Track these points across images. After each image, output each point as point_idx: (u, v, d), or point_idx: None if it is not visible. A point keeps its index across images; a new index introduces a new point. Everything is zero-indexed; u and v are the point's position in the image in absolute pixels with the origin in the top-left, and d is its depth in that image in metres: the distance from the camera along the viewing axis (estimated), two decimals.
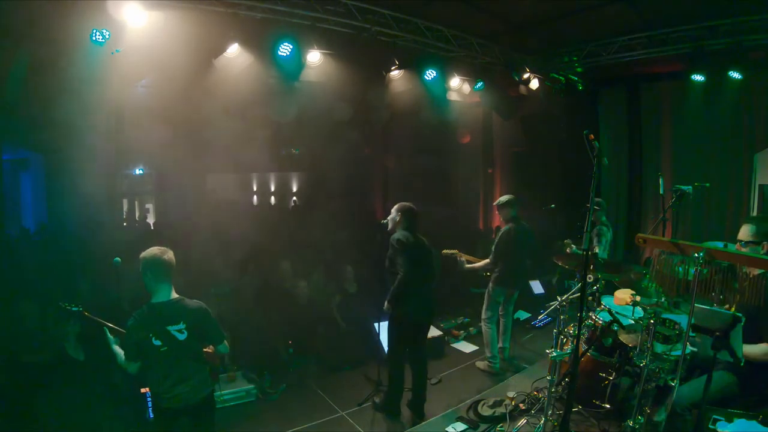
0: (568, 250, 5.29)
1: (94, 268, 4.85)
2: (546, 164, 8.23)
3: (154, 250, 2.64)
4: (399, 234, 3.87)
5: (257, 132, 6.47)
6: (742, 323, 2.28)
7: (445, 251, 5.03)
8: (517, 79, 6.80)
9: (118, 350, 2.72)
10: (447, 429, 3.59)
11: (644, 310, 2.90)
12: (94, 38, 3.80)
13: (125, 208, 9.90)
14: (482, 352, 5.24)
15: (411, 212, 3.97)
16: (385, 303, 3.88)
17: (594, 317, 3.44)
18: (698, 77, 5.90)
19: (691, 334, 2.43)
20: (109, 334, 2.80)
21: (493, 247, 4.87)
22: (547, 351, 3.20)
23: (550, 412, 3.20)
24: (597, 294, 3.77)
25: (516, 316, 5.01)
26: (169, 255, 2.65)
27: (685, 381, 2.81)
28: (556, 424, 3.21)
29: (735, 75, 5.61)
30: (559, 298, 3.51)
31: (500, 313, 5.02)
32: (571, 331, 3.57)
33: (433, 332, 5.53)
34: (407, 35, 5.54)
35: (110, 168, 7.79)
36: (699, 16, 5.30)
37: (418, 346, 4.09)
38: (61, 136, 5.69)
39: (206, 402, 2.77)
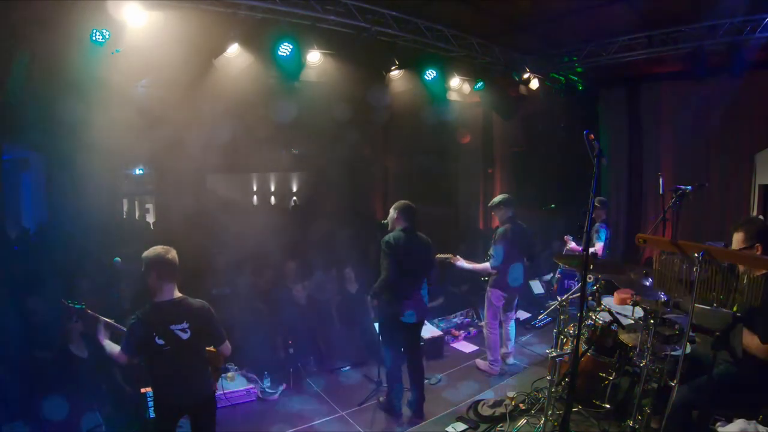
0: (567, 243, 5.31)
1: (94, 268, 4.85)
2: (546, 164, 8.23)
3: (157, 249, 2.65)
4: (389, 235, 3.85)
5: (257, 132, 6.47)
6: (742, 323, 2.28)
7: (438, 256, 4.88)
8: (517, 79, 6.80)
9: (109, 343, 2.72)
10: (447, 429, 3.59)
11: (644, 310, 2.89)
12: (94, 38, 3.80)
13: (125, 208, 9.91)
14: (483, 352, 5.24)
15: (408, 210, 3.94)
16: (368, 297, 3.92)
17: (594, 317, 3.44)
18: (698, 77, 5.89)
19: (691, 334, 2.43)
20: (101, 330, 2.79)
21: (491, 251, 4.78)
22: (547, 351, 3.20)
23: (550, 412, 3.20)
24: (597, 294, 3.77)
25: (516, 316, 4.95)
26: (173, 254, 2.66)
27: (684, 381, 2.81)
28: (556, 424, 3.21)
29: (734, 75, 5.60)
30: (559, 298, 3.52)
31: (501, 318, 4.93)
32: (571, 331, 3.57)
33: (433, 332, 5.54)
34: (407, 35, 5.54)
35: (110, 168, 7.80)
36: (699, 16, 5.30)
37: (413, 346, 4.10)
38: (61, 136, 5.69)
39: (208, 402, 2.77)
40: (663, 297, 3.39)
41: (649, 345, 2.78)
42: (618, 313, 3.21)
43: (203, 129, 5.52)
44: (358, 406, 4.29)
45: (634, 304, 3.11)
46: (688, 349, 2.54)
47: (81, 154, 5.65)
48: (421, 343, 4.38)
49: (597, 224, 5.59)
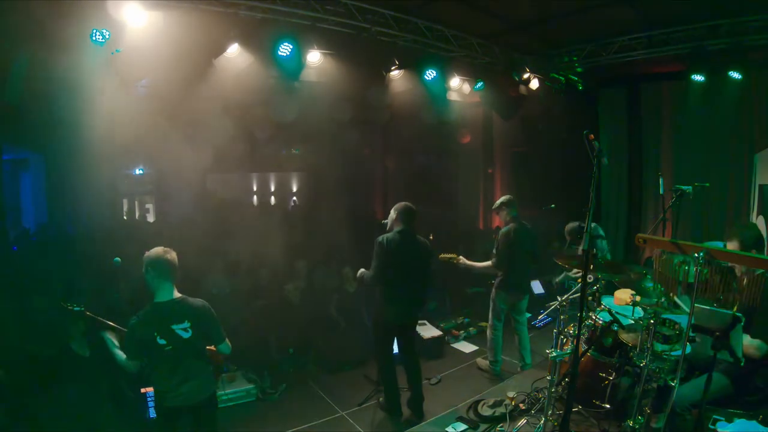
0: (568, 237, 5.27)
1: (93, 268, 4.85)
2: (546, 164, 8.23)
3: (157, 250, 2.66)
4: (384, 236, 3.87)
5: (257, 132, 6.48)
6: (742, 323, 2.28)
7: (442, 256, 4.91)
8: (517, 79, 6.80)
9: (119, 353, 2.71)
10: (447, 429, 3.58)
11: (644, 310, 2.89)
12: (94, 38, 3.80)
13: (125, 208, 9.90)
14: (483, 352, 5.24)
15: (407, 212, 3.92)
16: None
17: (594, 317, 3.44)
18: (698, 77, 5.90)
19: (691, 333, 2.43)
20: (108, 338, 2.78)
21: (494, 250, 4.74)
22: (547, 351, 3.20)
23: (550, 412, 3.20)
24: (597, 294, 3.77)
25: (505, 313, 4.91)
26: (172, 255, 2.68)
27: (684, 381, 2.81)
28: (556, 424, 3.20)
29: (735, 75, 5.61)
30: (559, 298, 3.51)
31: (513, 324, 4.88)
32: (571, 331, 3.57)
33: (433, 332, 5.54)
34: (407, 35, 5.54)
35: (110, 168, 7.80)
36: (699, 16, 5.30)
37: (406, 347, 4.10)
38: (61, 136, 5.69)
39: (209, 401, 2.78)
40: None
41: (649, 345, 2.78)
42: (618, 313, 3.21)
43: (203, 129, 5.51)
44: (358, 406, 4.29)
45: (634, 304, 3.11)
46: (688, 349, 2.54)
47: (81, 154, 5.64)
48: (416, 343, 4.33)
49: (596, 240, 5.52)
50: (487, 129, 9.85)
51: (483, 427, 3.57)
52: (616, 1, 5.05)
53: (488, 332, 4.88)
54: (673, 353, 2.83)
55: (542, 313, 4.87)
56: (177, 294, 2.68)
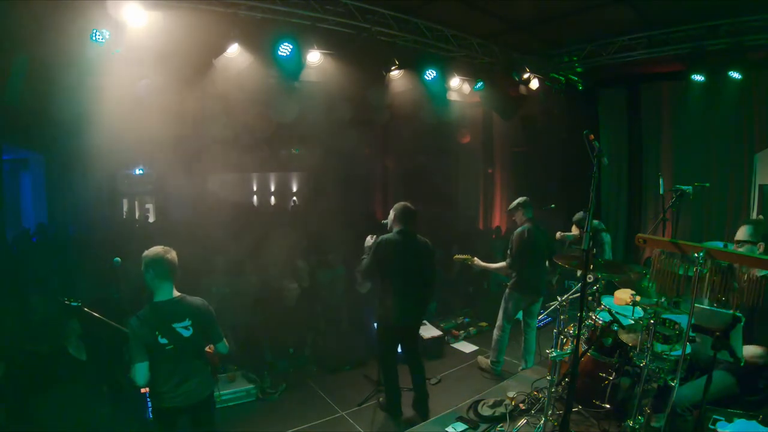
0: (558, 236, 5.26)
1: (93, 268, 4.85)
2: (546, 164, 8.22)
3: (157, 249, 2.66)
4: (382, 236, 3.87)
5: (257, 132, 6.48)
6: (742, 323, 2.28)
7: (456, 257, 4.88)
8: (517, 79, 6.80)
9: (135, 372, 2.56)
10: (447, 429, 3.58)
11: (644, 310, 2.89)
12: (94, 38, 3.80)
13: (125, 208, 9.90)
14: (483, 352, 5.24)
15: (405, 212, 3.89)
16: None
17: (594, 317, 3.44)
18: (698, 77, 5.90)
19: (691, 334, 2.43)
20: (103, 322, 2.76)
21: (508, 251, 4.66)
22: (547, 351, 3.19)
23: (550, 412, 3.20)
24: (597, 294, 3.77)
25: (517, 316, 4.90)
26: (172, 254, 2.67)
27: (684, 381, 2.81)
28: (556, 424, 3.20)
29: (735, 75, 5.61)
30: (559, 298, 3.51)
31: (522, 327, 4.84)
32: (571, 331, 3.57)
33: (433, 332, 5.54)
34: (407, 35, 5.54)
35: (110, 168, 7.80)
36: (699, 16, 5.30)
37: (409, 348, 4.09)
38: (61, 136, 5.70)
39: (207, 402, 2.77)
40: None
41: (649, 345, 2.78)
42: (618, 313, 3.21)
43: (203, 129, 5.53)
44: (358, 406, 4.29)
45: (634, 304, 3.11)
46: (688, 349, 2.54)
47: (81, 154, 5.65)
48: (418, 344, 4.33)
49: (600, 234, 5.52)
50: (487, 129, 9.86)
51: (483, 427, 3.57)
52: (616, 1, 5.05)
53: (495, 332, 4.83)
54: (673, 353, 2.83)
55: (542, 313, 4.87)
56: (176, 293, 2.68)
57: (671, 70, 6.65)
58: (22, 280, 4.58)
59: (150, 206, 10.17)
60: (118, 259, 3.82)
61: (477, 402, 3.87)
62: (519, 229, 4.63)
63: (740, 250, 2.80)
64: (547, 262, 4.75)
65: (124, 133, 4.71)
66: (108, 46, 3.88)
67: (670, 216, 4.04)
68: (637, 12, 5.37)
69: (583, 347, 3.20)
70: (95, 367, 3.63)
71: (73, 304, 2.87)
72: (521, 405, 3.73)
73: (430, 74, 5.99)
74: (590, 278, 3.61)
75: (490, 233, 9.19)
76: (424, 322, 5.60)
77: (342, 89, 5.62)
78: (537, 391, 3.90)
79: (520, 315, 4.88)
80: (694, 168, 6.75)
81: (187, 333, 2.60)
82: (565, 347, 3.54)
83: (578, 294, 3.03)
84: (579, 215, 5.39)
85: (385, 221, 4.11)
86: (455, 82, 6.57)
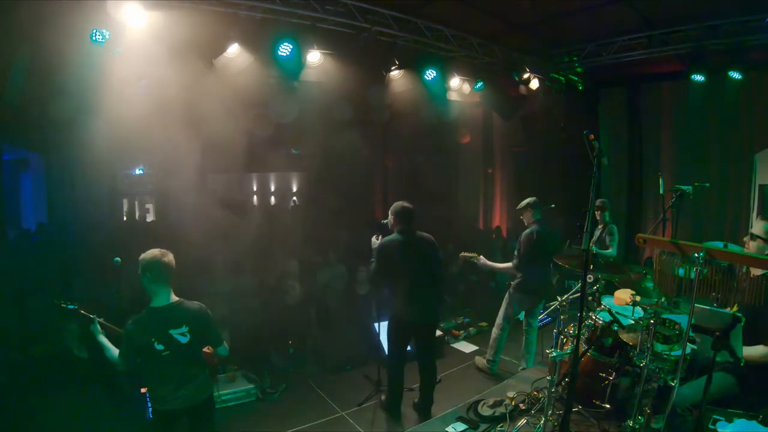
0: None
1: (93, 268, 4.85)
2: (546, 164, 8.22)
3: (153, 252, 2.61)
4: (385, 238, 3.87)
5: (257, 132, 6.47)
6: (742, 323, 2.28)
7: (463, 254, 4.86)
8: (517, 79, 6.80)
9: (108, 344, 2.68)
10: (447, 429, 3.58)
11: (644, 310, 2.89)
12: (94, 38, 3.80)
13: (125, 208, 9.90)
14: (482, 352, 5.23)
15: (402, 212, 3.88)
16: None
17: (594, 317, 3.43)
18: (698, 77, 5.89)
19: (691, 334, 2.43)
20: (96, 326, 2.76)
21: (515, 252, 4.65)
22: (547, 351, 3.19)
23: (550, 412, 3.19)
24: (597, 294, 3.76)
25: (518, 316, 4.89)
26: (169, 257, 2.62)
27: (684, 381, 2.80)
28: (556, 424, 3.20)
29: (735, 75, 5.60)
30: (559, 298, 3.51)
31: (524, 327, 4.83)
32: (571, 331, 3.57)
33: None
34: (407, 35, 5.54)
35: (110, 168, 7.80)
36: (699, 16, 5.30)
37: (421, 348, 4.06)
38: (61, 136, 5.69)
39: (206, 403, 2.76)
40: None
41: (649, 345, 2.78)
42: (618, 313, 3.21)
43: (203, 129, 5.52)
44: (358, 406, 4.29)
45: (634, 304, 3.11)
46: (688, 349, 2.54)
47: (81, 154, 5.64)
48: (435, 345, 4.28)
49: (609, 225, 5.56)
50: (487, 129, 9.86)
51: (483, 427, 3.57)
52: (616, 1, 5.05)
53: (494, 331, 4.83)
54: (673, 353, 2.82)
55: (542, 313, 4.86)
56: (174, 298, 2.63)
57: (671, 70, 6.65)
58: (22, 281, 4.57)
59: (150, 206, 10.17)
60: (118, 259, 3.82)
61: (477, 402, 3.86)
62: (527, 231, 4.61)
63: (750, 243, 2.78)
64: (551, 264, 4.73)
65: (124, 133, 4.71)
66: (108, 46, 3.88)
67: (670, 216, 4.04)
68: (637, 12, 5.37)
69: (583, 347, 3.20)
70: (95, 367, 3.63)
71: (69, 306, 2.85)
72: (521, 405, 3.73)
73: (430, 74, 5.99)
74: (590, 278, 3.61)
75: (490, 233, 9.19)
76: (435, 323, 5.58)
77: (342, 89, 5.61)
78: (537, 391, 3.89)
79: (521, 315, 4.88)
80: (694, 168, 6.75)
81: (184, 339, 2.56)
82: (565, 347, 3.54)
83: (578, 294, 3.03)
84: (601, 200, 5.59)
85: (385, 221, 4.10)
86: (455, 82, 6.58)
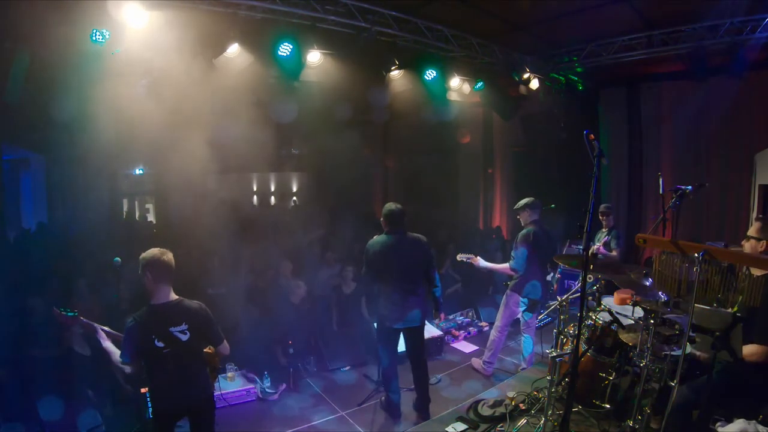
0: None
1: (93, 268, 4.85)
2: (546, 164, 8.23)
3: (153, 251, 2.64)
4: (372, 239, 3.89)
5: (257, 132, 6.48)
6: (742, 323, 2.28)
7: (459, 256, 4.84)
8: (517, 79, 6.80)
9: (112, 348, 2.70)
10: (447, 429, 3.58)
11: (644, 310, 2.89)
12: (94, 38, 3.80)
13: (125, 208, 9.91)
14: (482, 353, 5.23)
15: (390, 214, 3.87)
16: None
17: (594, 317, 3.44)
18: (698, 77, 5.89)
19: (691, 334, 2.43)
20: (101, 334, 2.78)
21: (512, 252, 4.62)
22: (547, 351, 3.19)
23: (550, 412, 3.20)
24: (597, 294, 3.76)
25: (516, 316, 4.88)
26: (169, 256, 2.65)
27: (684, 381, 2.80)
28: (556, 424, 3.20)
29: (735, 75, 5.60)
30: (559, 298, 3.51)
31: (521, 327, 4.80)
32: (571, 331, 3.57)
33: (433, 332, 5.54)
34: (407, 35, 5.54)
35: (110, 168, 7.81)
36: (699, 16, 5.30)
37: (412, 350, 4.06)
38: (61, 136, 5.70)
39: (206, 403, 2.77)
40: (663, 297, 3.39)
41: (649, 345, 2.78)
42: (618, 313, 3.21)
43: (203, 129, 5.52)
44: (358, 406, 4.29)
45: (634, 304, 3.11)
46: (688, 349, 2.54)
47: (81, 154, 5.65)
48: (423, 346, 4.22)
49: (613, 229, 5.68)
50: (487, 129, 9.86)
51: (483, 427, 3.57)
52: (616, 1, 5.05)
53: (493, 332, 4.82)
54: (672, 353, 2.82)
55: (542, 313, 4.86)
56: (174, 296, 2.66)
57: (671, 70, 6.65)
58: (23, 281, 4.58)
59: (150, 206, 10.19)
60: (118, 259, 3.83)
61: (477, 402, 3.87)
62: (524, 231, 4.56)
63: (746, 244, 2.80)
64: (548, 265, 4.74)
65: (124, 133, 4.71)
66: (108, 46, 3.88)
67: (670, 216, 4.03)
68: (637, 12, 5.37)
69: (583, 347, 3.20)
70: (100, 365, 3.63)
71: (69, 313, 2.87)
72: (521, 405, 3.73)
73: (430, 74, 5.98)
74: (590, 278, 3.61)
75: (491, 233, 9.19)
76: (438, 316, 5.57)
77: (342, 89, 5.61)
78: (537, 391, 3.90)
79: (520, 316, 4.87)
80: (694, 168, 6.75)
81: (184, 337, 2.58)
82: (565, 347, 3.54)
83: (578, 294, 3.03)
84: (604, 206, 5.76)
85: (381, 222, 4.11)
86: (455, 82, 6.57)
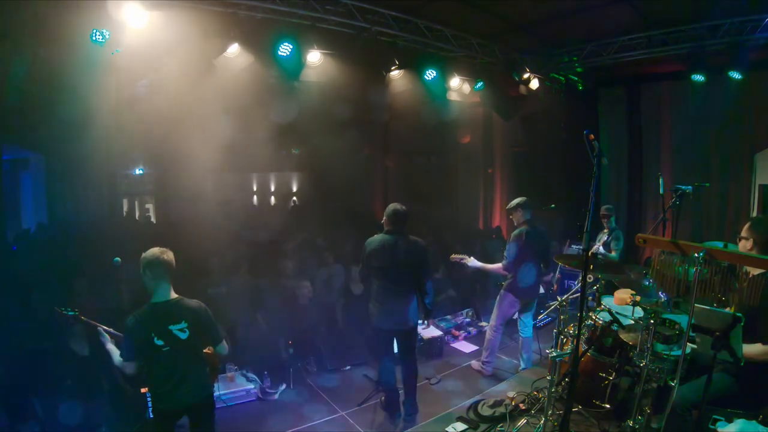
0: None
1: (94, 268, 4.85)
2: (546, 164, 8.23)
3: (153, 250, 2.66)
4: (370, 238, 3.89)
5: (257, 132, 6.49)
6: (743, 323, 2.28)
7: (453, 256, 4.84)
8: (517, 79, 6.80)
9: (114, 349, 2.73)
10: (447, 429, 3.58)
11: (644, 310, 2.89)
12: (94, 38, 3.80)
13: (125, 208, 9.92)
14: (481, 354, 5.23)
15: (394, 213, 3.86)
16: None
17: (594, 317, 3.44)
18: (698, 77, 5.89)
19: (691, 334, 2.43)
20: (104, 334, 2.81)
21: (505, 252, 4.62)
22: (547, 351, 3.19)
23: (550, 412, 3.20)
24: (597, 294, 3.76)
25: (511, 317, 4.88)
26: (169, 255, 2.67)
27: (684, 381, 2.80)
28: (556, 424, 3.20)
29: (735, 75, 5.60)
30: (559, 298, 3.51)
31: (518, 327, 4.82)
32: (571, 331, 3.57)
33: (433, 332, 5.54)
34: (407, 35, 5.54)
35: (110, 168, 7.81)
36: (699, 16, 5.30)
37: (402, 352, 4.04)
38: (61, 136, 5.69)
39: (206, 402, 2.77)
40: (663, 296, 3.39)
41: (649, 345, 2.78)
42: (618, 313, 3.21)
43: (203, 129, 5.52)
44: (358, 406, 4.29)
45: (634, 304, 3.11)
46: (688, 349, 2.54)
47: (81, 154, 5.65)
48: (415, 346, 4.18)
49: (615, 231, 5.66)
50: (487, 129, 9.86)
51: (483, 427, 3.57)
52: (616, 1, 5.05)
53: (488, 332, 4.83)
54: (673, 353, 2.82)
55: (542, 313, 4.86)
56: (174, 294, 2.68)
57: (671, 70, 6.65)
58: (23, 280, 4.58)
59: (150, 206, 10.19)
60: (118, 259, 3.82)
61: (477, 402, 3.87)
62: (516, 231, 4.57)
63: (739, 244, 2.81)
64: (542, 264, 4.74)
65: (124, 133, 4.72)
66: (108, 46, 3.88)
67: (670, 216, 4.04)
68: (637, 12, 5.37)
69: (583, 347, 3.20)
70: (95, 367, 3.63)
71: (69, 313, 2.88)
72: (521, 405, 3.73)
73: (430, 74, 5.98)
74: (590, 278, 3.61)
75: (490, 233, 9.19)
76: (424, 322, 5.61)
77: (342, 89, 5.62)
78: (537, 391, 3.90)
79: (516, 316, 4.88)
80: (694, 168, 6.75)
81: (183, 335, 2.59)
82: (565, 347, 3.54)
83: (578, 294, 3.03)
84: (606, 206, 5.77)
85: (383, 222, 4.11)
86: (455, 82, 6.57)
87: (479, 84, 6.84)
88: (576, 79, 7.53)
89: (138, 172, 9.83)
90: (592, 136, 2.50)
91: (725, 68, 5.57)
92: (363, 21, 5.06)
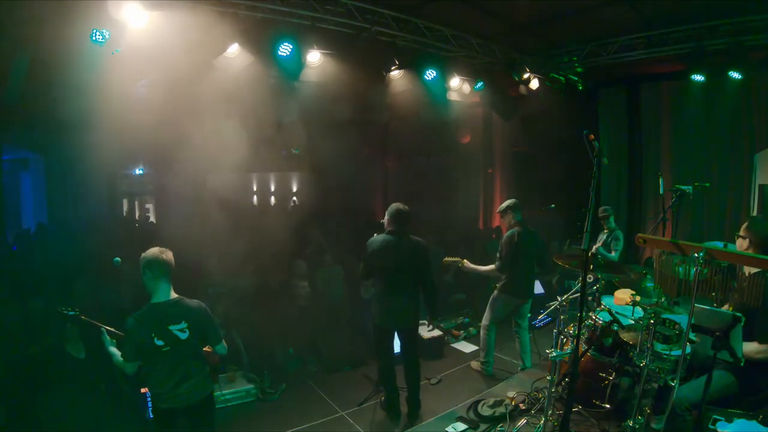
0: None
1: (93, 268, 4.85)
2: (546, 164, 8.23)
3: (153, 250, 2.67)
4: (372, 237, 3.90)
5: (257, 132, 6.48)
6: (742, 323, 2.28)
7: (446, 259, 4.87)
8: (517, 79, 6.79)
9: (115, 351, 2.73)
10: (447, 429, 3.58)
11: (644, 310, 2.89)
12: (94, 38, 3.80)
13: (125, 208, 9.91)
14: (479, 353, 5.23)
15: (396, 213, 3.88)
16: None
17: (594, 317, 3.44)
18: (698, 77, 5.89)
19: (691, 334, 2.43)
20: (105, 336, 2.81)
21: (498, 254, 4.66)
22: (547, 351, 3.19)
23: (550, 412, 3.20)
24: (597, 294, 3.76)
25: (503, 317, 4.88)
26: (168, 255, 2.68)
27: (684, 381, 2.81)
28: (556, 424, 3.20)
29: (735, 75, 5.60)
30: (559, 298, 3.51)
31: (514, 328, 4.85)
32: (571, 331, 3.57)
33: (433, 332, 5.53)
34: (407, 35, 5.54)
35: (110, 168, 7.81)
36: (699, 16, 5.30)
37: (407, 349, 4.06)
38: (61, 136, 5.69)
39: (206, 402, 2.78)
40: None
41: (649, 345, 2.78)
42: (618, 313, 3.21)
43: (203, 129, 5.52)
44: (358, 406, 4.29)
45: (634, 304, 3.11)
46: (688, 349, 2.54)
47: (81, 154, 5.64)
48: (417, 346, 4.24)
49: (614, 231, 5.70)
50: (487, 129, 9.86)
51: (483, 427, 3.57)
52: (616, 1, 5.05)
53: (481, 332, 4.86)
54: (673, 353, 2.82)
55: (542, 313, 4.86)
56: (174, 294, 2.69)
57: (671, 70, 6.66)
58: (22, 281, 4.58)
59: (150, 206, 10.18)
60: (118, 259, 3.82)
61: (477, 402, 3.87)
62: (508, 233, 4.63)
63: (736, 242, 2.81)
64: (535, 265, 4.78)
65: (124, 133, 4.70)
66: (108, 46, 3.87)
67: (670, 216, 4.04)
68: (637, 12, 5.37)
69: (583, 347, 3.20)
70: (95, 367, 3.63)
71: (70, 313, 2.88)
72: (521, 405, 3.73)
73: (430, 74, 5.97)
74: (590, 278, 3.61)
75: (490, 233, 9.19)
76: (424, 321, 5.61)
77: (342, 89, 5.61)
78: (537, 391, 3.90)
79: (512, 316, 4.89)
80: (694, 168, 6.75)
81: (183, 335, 2.60)
82: (565, 347, 3.54)
83: (578, 294, 3.03)
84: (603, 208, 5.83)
85: (383, 221, 4.11)
86: (455, 82, 6.57)
87: (479, 84, 6.84)
88: (576, 79, 7.53)
89: (138, 172, 9.83)
90: (592, 136, 2.51)
91: (725, 68, 5.57)
92: (363, 21, 5.06)
